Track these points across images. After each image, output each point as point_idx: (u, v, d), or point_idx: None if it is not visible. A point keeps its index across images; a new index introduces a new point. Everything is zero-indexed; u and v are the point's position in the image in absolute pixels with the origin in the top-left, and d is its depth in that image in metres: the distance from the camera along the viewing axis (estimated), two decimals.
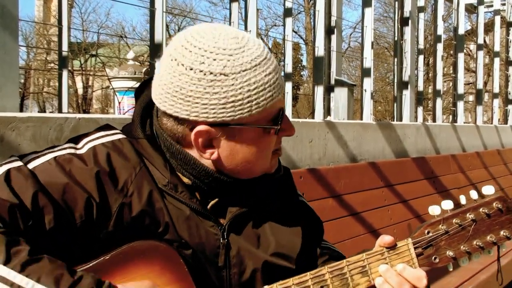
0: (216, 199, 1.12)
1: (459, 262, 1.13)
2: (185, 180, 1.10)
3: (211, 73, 0.99)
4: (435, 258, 1.12)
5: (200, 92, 1.00)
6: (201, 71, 1.00)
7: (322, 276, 1.06)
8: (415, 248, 1.11)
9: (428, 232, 1.12)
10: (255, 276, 1.12)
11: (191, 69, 1.00)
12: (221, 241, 1.10)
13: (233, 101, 1.00)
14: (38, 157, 1.02)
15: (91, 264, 0.97)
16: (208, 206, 1.12)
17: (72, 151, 1.04)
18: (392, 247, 1.11)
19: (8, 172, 0.96)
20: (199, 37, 1.02)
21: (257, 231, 1.15)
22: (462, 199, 1.16)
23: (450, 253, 1.12)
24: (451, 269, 1.14)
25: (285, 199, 1.25)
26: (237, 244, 1.12)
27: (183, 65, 1.01)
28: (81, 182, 0.99)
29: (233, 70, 1.00)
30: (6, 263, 0.86)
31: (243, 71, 1.00)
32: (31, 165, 0.99)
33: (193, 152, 1.08)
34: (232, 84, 1.00)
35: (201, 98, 1.00)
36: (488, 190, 1.15)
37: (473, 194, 1.15)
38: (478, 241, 1.13)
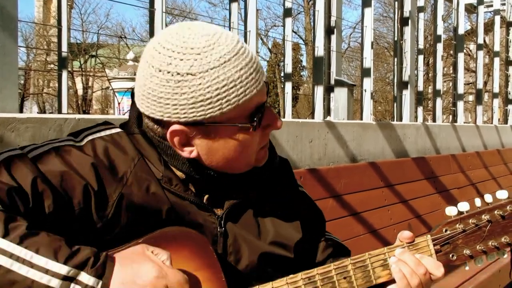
0: (208, 195, 1.14)
1: (475, 262, 1.17)
2: (179, 173, 1.12)
3: (178, 73, 0.99)
4: (452, 256, 1.16)
5: (170, 93, 1.00)
6: (168, 72, 1.00)
7: (345, 267, 1.11)
8: (433, 245, 1.15)
9: (446, 230, 1.16)
10: (252, 264, 1.14)
11: (160, 70, 1.01)
12: (219, 229, 1.12)
13: (201, 100, 1.00)
14: (38, 147, 1.05)
15: (124, 247, 1.00)
16: (204, 200, 1.14)
17: (72, 143, 1.07)
18: (411, 242, 1.15)
19: (8, 158, 0.99)
20: (170, 38, 1.02)
21: (256, 220, 1.17)
22: (477, 202, 1.20)
23: (467, 251, 1.16)
24: (467, 268, 1.18)
25: (284, 189, 1.26)
26: (234, 233, 1.14)
27: (153, 67, 1.02)
28: (79, 171, 1.02)
29: (200, 69, 0.99)
30: (4, 236, 0.88)
31: (211, 69, 0.99)
32: (31, 154, 1.02)
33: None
34: (200, 84, 0.99)
35: (170, 99, 1.01)
36: (502, 194, 1.19)
37: (488, 198, 1.19)
38: (493, 242, 1.17)
